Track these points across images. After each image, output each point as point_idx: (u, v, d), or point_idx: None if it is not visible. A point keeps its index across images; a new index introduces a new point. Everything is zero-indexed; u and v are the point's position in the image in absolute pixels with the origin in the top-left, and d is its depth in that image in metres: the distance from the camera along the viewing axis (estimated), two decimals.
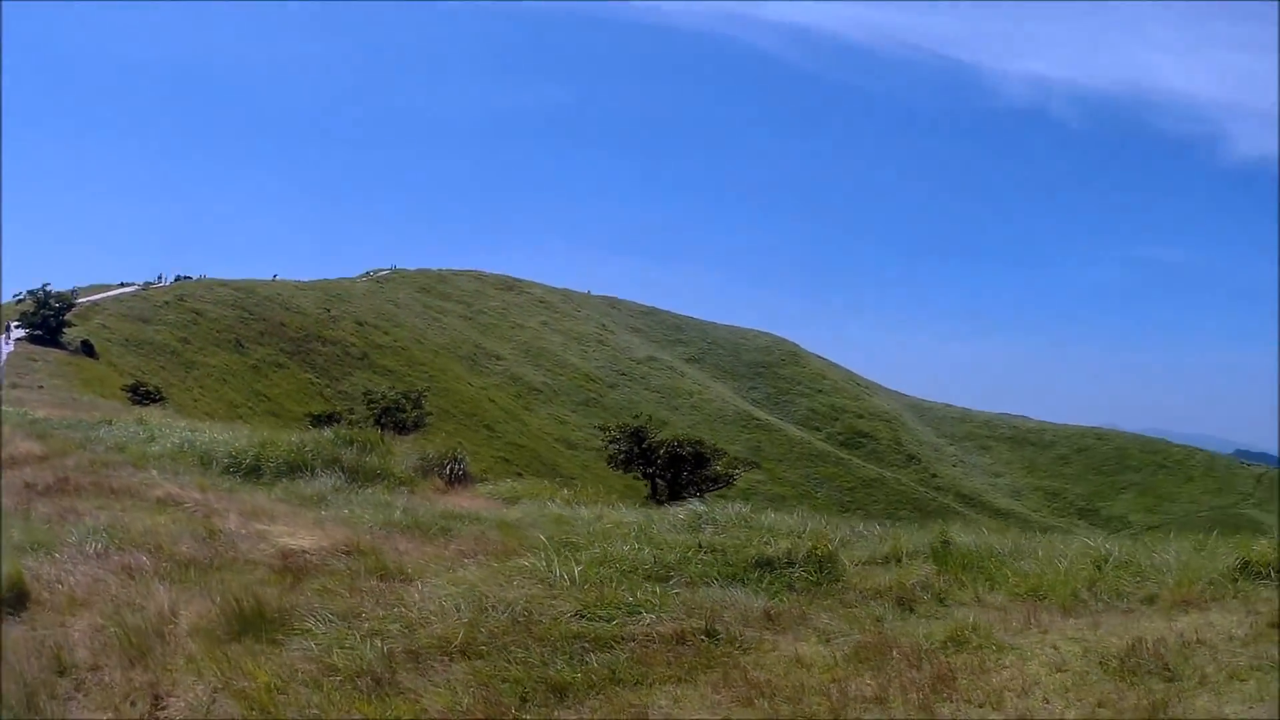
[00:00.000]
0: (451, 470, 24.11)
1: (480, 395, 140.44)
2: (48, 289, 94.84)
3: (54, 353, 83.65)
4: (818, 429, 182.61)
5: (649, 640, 9.35)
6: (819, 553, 12.69)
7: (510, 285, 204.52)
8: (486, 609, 9.95)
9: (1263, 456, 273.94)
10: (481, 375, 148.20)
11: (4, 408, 37.32)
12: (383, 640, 8.95)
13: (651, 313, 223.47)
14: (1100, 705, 7.68)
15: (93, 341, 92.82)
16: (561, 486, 23.98)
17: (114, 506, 16.41)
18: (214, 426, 31.93)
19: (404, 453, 24.86)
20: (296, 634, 9.22)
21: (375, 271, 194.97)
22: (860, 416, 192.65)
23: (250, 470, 21.88)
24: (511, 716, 7.75)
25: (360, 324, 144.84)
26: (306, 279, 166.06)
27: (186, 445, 24.80)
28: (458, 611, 9.84)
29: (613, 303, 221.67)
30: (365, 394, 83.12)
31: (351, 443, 23.33)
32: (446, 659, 8.75)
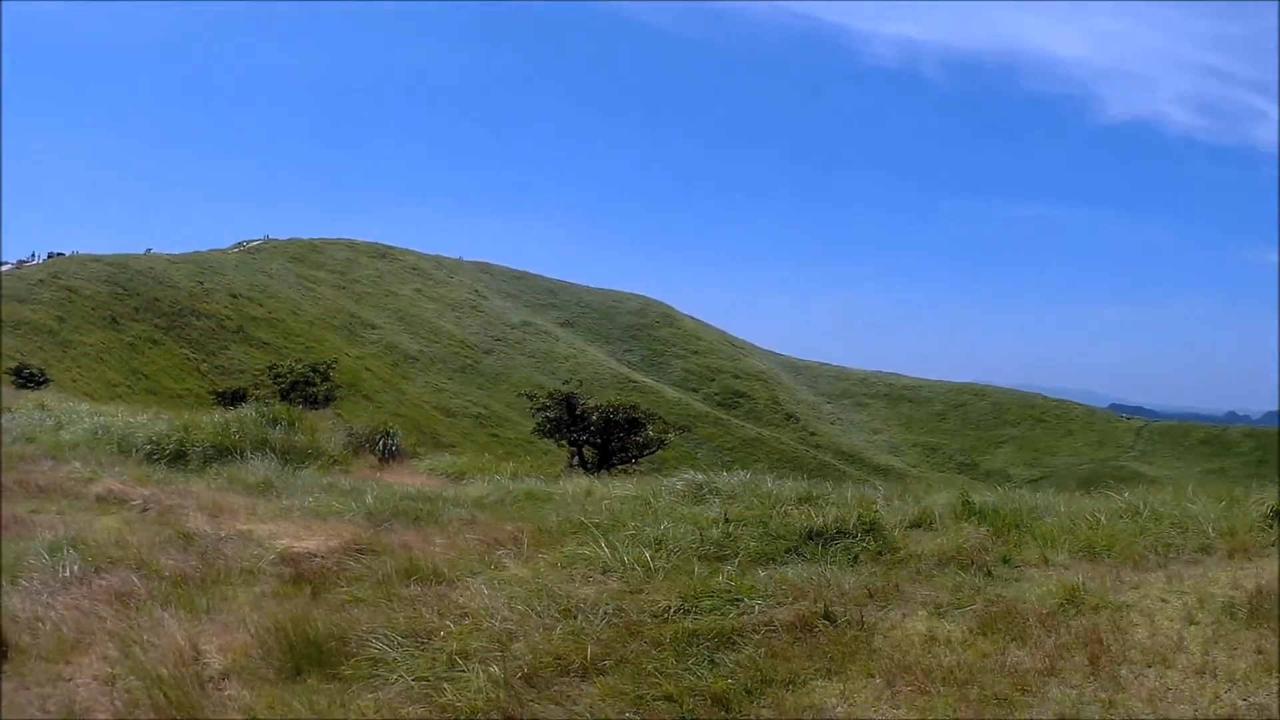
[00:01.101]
0: (385, 446, 22.98)
1: (358, 365, 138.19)
2: None
3: None
4: (694, 390, 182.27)
5: (771, 630, 8.48)
6: (866, 520, 11.92)
7: (383, 253, 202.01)
8: (573, 612, 8.70)
9: (1139, 410, 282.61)
10: (358, 345, 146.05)
11: None
12: (480, 663, 7.61)
13: (524, 277, 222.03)
14: (1260, 652, 7.69)
15: None
16: (500, 460, 22.88)
17: (49, 509, 15.11)
18: (121, 409, 30.19)
19: (328, 430, 23.49)
20: (365, 664, 7.84)
21: (247, 242, 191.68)
22: (736, 377, 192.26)
23: (175, 456, 20.79)
24: None
25: (234, 296, 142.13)
26: (179, 251, 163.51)
27: (100, 431, 23.36)
28: (539, 617, 8.57)
29: (485, 268, 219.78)
30: (270, 368, 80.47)
31: (276, 422, 21.95)
32: (570, 678, 7.54)
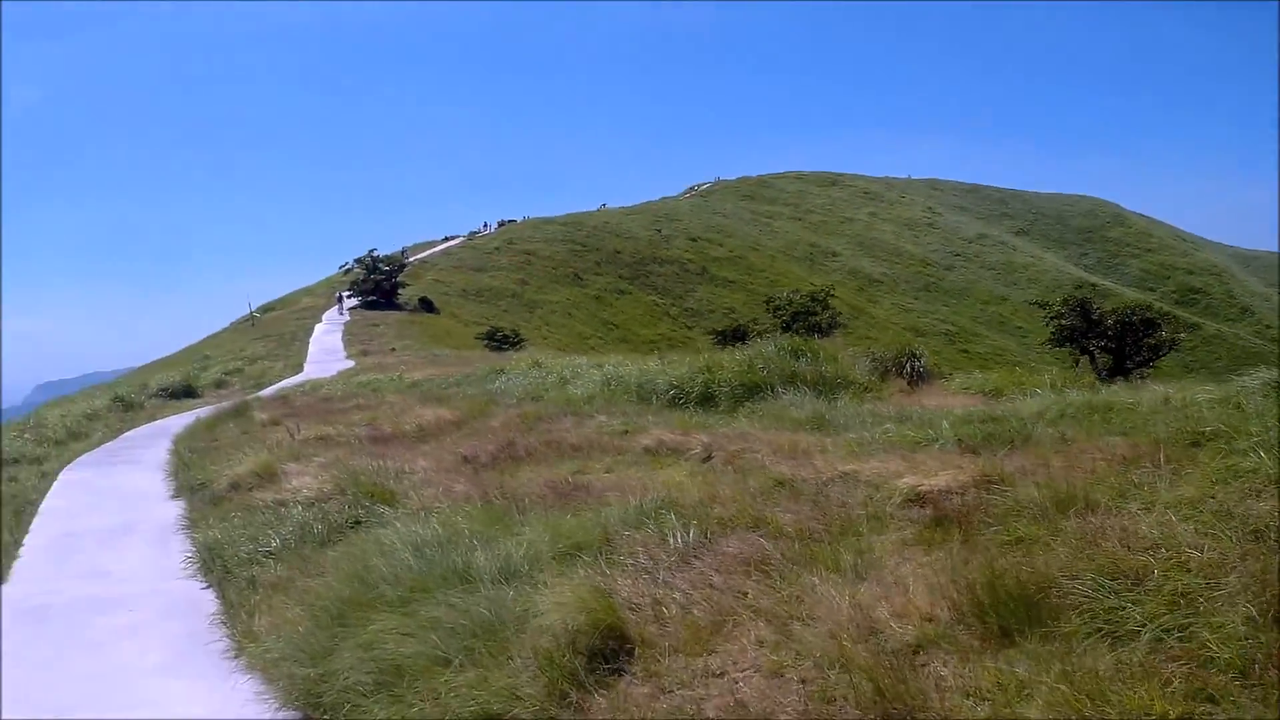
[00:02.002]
0: (912, 369, 21.61)
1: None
2: (374, 254, 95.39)
3: (393, 314, 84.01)
4: (1151, 289, 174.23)
5: None
6: None
7: (833, 180, 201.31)
8: (1264, 534, 6.98)
9: None
10: (822, 274, 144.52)
11: (368, 376, 36.13)
12: (1225, 602, 6.15)
13: (974, 190, 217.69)
14: None
15: (430, 297, 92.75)
16: (1026, 373, 21.15)
17: (594, 468, 14.33)
18: (624, 359, 29.72)
19: (849, 357, 22.17)
20: (1083, 616, 6.44)
21: (698, 186, 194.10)
22: (1190, 272, 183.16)
23: (702, 399, 19.81)
24: None
25: (693, 240, 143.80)
26: (631, 204, 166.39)
27: (613, 381, 22.63)
28: (1234, 543, 6.93)
29: (934, 184, 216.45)
30: (768, 300, 79.78)
31: (798, 354, 20.76)
32: None
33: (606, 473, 13.76)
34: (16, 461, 24.21)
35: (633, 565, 8.89)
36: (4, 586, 12.95)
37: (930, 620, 6.89)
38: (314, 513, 13.22)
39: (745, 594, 7.93)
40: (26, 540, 15.50)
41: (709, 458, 13.51)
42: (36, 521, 16.94)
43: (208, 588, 12.21)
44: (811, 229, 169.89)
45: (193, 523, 15.38)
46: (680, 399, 19.97)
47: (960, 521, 8.53)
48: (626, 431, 16.35)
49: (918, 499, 9.52)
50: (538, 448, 15.82)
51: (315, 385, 38.12)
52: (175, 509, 16.98)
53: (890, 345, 25.05)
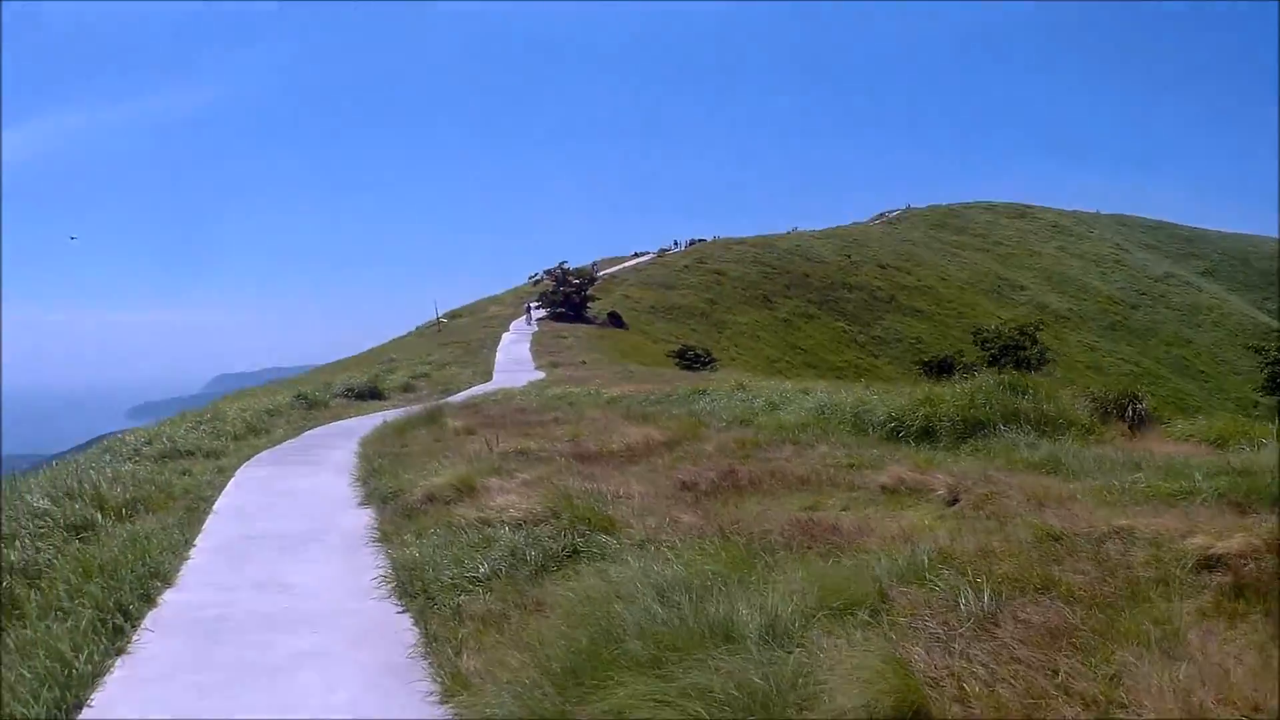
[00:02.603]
0: (1134, 411, 20.03)
1: (1009, 329, 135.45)
2: (564, 267, 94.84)
3: (582, 328, 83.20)
4: None
5: None
6: None
7: (1021, 212, 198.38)
8: None
9: None
10: (1009, 307, 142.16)
11: (562, 388, 35.02)
12: None
13: (1161, 226, 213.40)
14: None
15: (619, 312, 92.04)
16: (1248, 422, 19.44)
17: (827, 504, 12.99)
18: (829, 386, 28.34)
19: (1068, 396, 20.64)
20: None
21: (888, 213, 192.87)
22: None
23: (922, 433, 18.35)
24: None
25: (882, 267, 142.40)
26: (821, 227, 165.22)
27: (825, 409, 21.21)
28: None
29: (1121, 220, 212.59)
30: (975, 332, 78.33)
31: (1017, 389, 19.24)
32: None
33: (843, 510, 12.64)
34: (191, 454, 23.20)
35: (921, 630, 7.65)
36: (170, 592, 11.71)
37: (1258, 710, 6.08)
38: (523, 536, 11.77)
39: (1055, 672, 6.74)
40: (199, 541, 14.31)
41: (955, 500, 12.10)
42: (210, 521, 15.77)
43: (404, 612, 10.72)
44: (1000, 261, 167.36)
45: (385, 536, 14.04)
46: (899, 431, 18.53)
47: (1261, 592, 7.83)
48: (853, 465, 15.17)
49: (1208, 563, 8.55)
50: (761, 477, 14.46)
51: (507, 395, 36.78)
52: (363, 518, 15.66)
53: (1107, 386, 23.45)
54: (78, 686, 8.55)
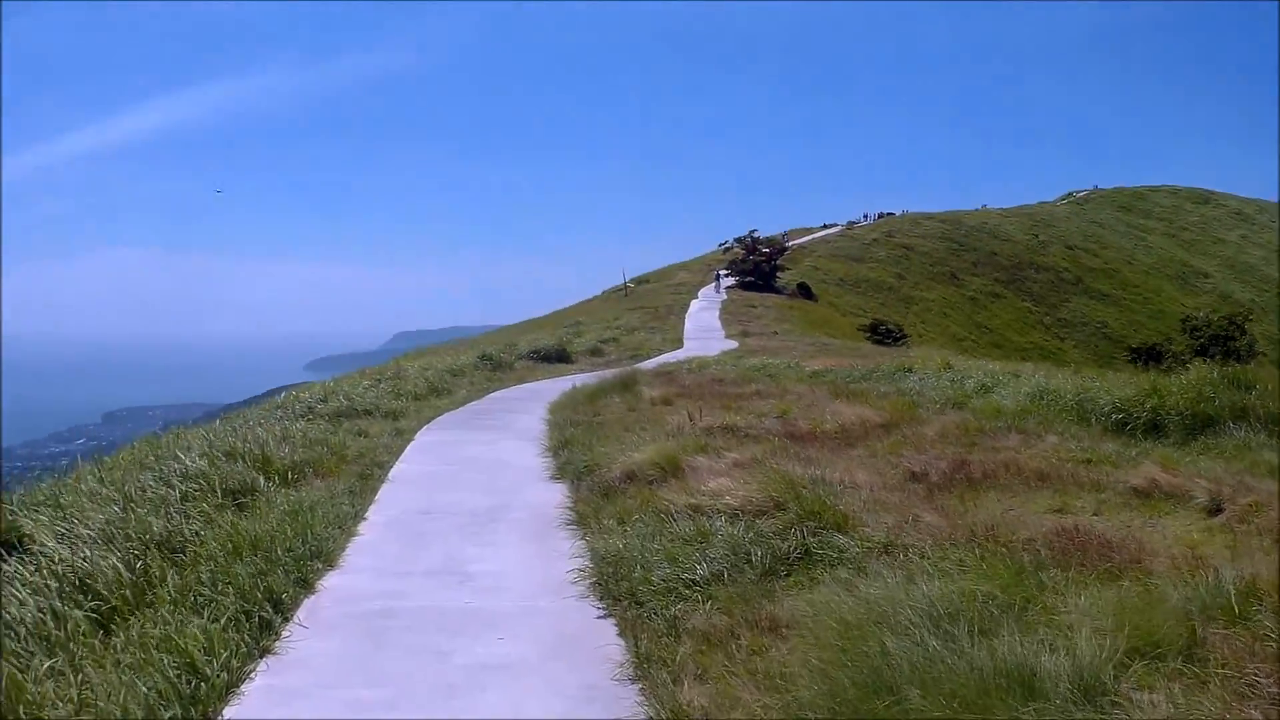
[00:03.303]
0: None
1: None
2: (755, 235, 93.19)
3: (771, 298, 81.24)
4: None
5: None
6: None
7: (1205, 198, 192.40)
8: None
9: None
10: (1193, 295, 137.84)
11: (759, 359, 33.38)
12: None
13: None
14: None
15: (808, 283, 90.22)
16: None
17: (1074, 505, 11.18)
18: (1041, 369, 26.45)
19: None
20: None
21: (1075, 193, 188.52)
22: None
23: (1149, 426, 16.36)
24: None
25: (1069, 248, 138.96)
26: (1008, 205, 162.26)
27: (1042, 395, 19.41)
28: None
29: None
30: (1184, 320, 75.55)
31: (1242, 384, 17.32)
32: None
33: (1094, 515, 10.71)
34: (368, 414, 21.79)
35: (1258, 690, 5.81)
36: (332, 575, 10.15)
37: None
38: (743, 530, 9.86)
39: None
40: (370, 514, 12.78)
41: (1218, 509, 10.29)
42: (384, 490, 14.28)
43: (605, 617, 8.90)
44: (1184, 247, 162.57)
45: (581, 518, 12.26)
46: (1126, 424, 16.68)
47: None
48: (1090, 460, 13.12)
49: None
50: (995, 469, 12.66)
51: (701, 363, 34.87)
52: (555, 494, 13.93)
53: None
54: (205, 702, 6.92)
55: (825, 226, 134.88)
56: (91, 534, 10.38)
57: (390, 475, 15.33)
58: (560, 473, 15.43)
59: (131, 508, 11.47)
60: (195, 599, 8.82)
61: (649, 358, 43.08)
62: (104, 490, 12.57)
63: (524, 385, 31.32)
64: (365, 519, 12.50)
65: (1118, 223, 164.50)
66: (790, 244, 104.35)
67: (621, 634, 8.38)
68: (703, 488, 11.67)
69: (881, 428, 16.41)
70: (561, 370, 36.85)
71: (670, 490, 12.01)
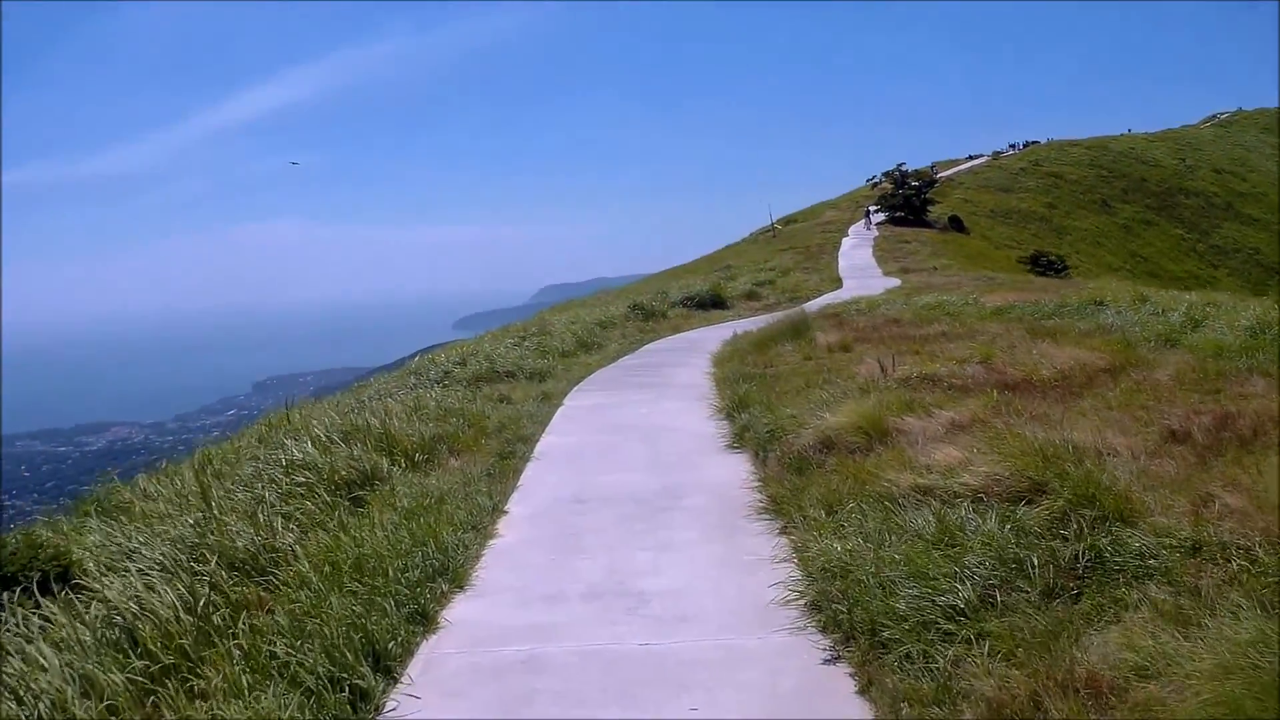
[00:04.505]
0: None
1: None
2: (903, 168, 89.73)
3: (923, 232, 77.70)
4: None
5: None
6: None
7: None
8: None
9: None
10: None
11: (931, 296, 30.44)
12: None
13: None
14: None
15: (959, 216, 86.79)
16: None
17: None
18: (1234, 299, 23.48)
19: None
20: None
21: (1218, 115, 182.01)
22: None
23: None
24: None
25: (1217, 172, 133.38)
26: (1153, 130, 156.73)
27: (1258, 330, 16.69)
28: None
29: None
30: None
31: None
32: None
33: None
34: (511, 376, 19.08)
35: None
36: (461, 601, 7.58)
37: None
38: (996, 523, 7.08)
39: None
40: (511, 505, 10.14)
41: None
42: (529, 471, 11.62)
43: (834, 660, 6.21)
44: None
45: (776, 505, 9.33)
46: None
47: None
48: None
49: None
50: (1263, 425, 9.83)
51: (870, 304, 30.66)
52: (736, 469, 11.14)
53: None
54: None
55: (971, 158, 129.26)
56: (157, 557, 8.00)
57: (536, 451, 12.71)
58: (738, 440, 12.53)
59: (214, 516, 8.98)
60: (269, 656, 6.29)
61: (809, 299, 39.56)
62: (193, 487, 10.30)
63: (680, 335, 28.69)
64: (505, 513, 9.91)
65: (1263, 144, 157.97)
66: (939, 176, 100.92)
67: (863, 693, 5.73)
68: (926, 460, 8.85)
69: (1105, 372, 13.51)
70: (718, 317, 34.11)
71: (883, 463, 9.16)
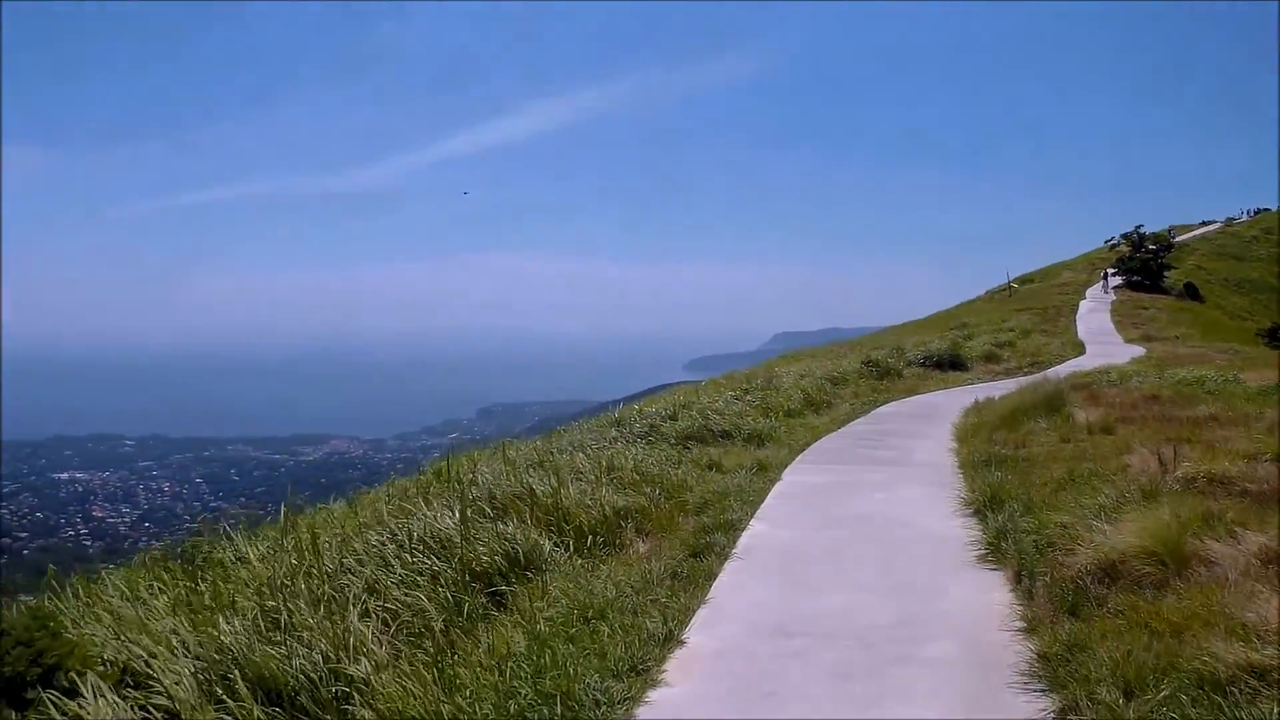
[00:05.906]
0: None
1: None
2: (1141, 231, 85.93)
3: (1160, 299, 73.84)
4: None
5: None
6: None
7: None
8: None
9: None
10: None
11: (1184, 370, 27.55)
12: None
13: None
14: None
15: (1194, 283, 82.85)
16: None
17: None
18: None
19: None
20: None
21: None
22: None
23: None
24: None
25: None
26: None
27: None
28: None
29: None
30: None
31: None
32: None
33: None
34: (727, 436, 16.49)
35: None
36: None
37: None
38: None
39: None
40: (691, 631, 7.41)
41: None
42: (725, 575, 8.88)
43: None
44: None
45: (1049, 669, 6.41)
46: None
47: None
48: None
49: None
50: None
51: (1121, 374, 25.75)
52: (992, 596, 8.15)
53: None
54: None
55: (1204, 224, 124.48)
56: (185, 673, 5.85)
57: (740, 545, 9.90)
58: (993, 552, 9.35)
59: (282, 604, 6.72)
60: None
61: (1050, 365, 35.82)
62: (284, 560, 7.98)
63: (916, 397, 25.76)
64: (682, 643, 7.17)
65: None
66: (1175, 240, 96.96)
67: None
68: (1251, 615, 6.14)
69: None
70: (955, 379, 31.25)
71: (1190, 614, 6.45)
